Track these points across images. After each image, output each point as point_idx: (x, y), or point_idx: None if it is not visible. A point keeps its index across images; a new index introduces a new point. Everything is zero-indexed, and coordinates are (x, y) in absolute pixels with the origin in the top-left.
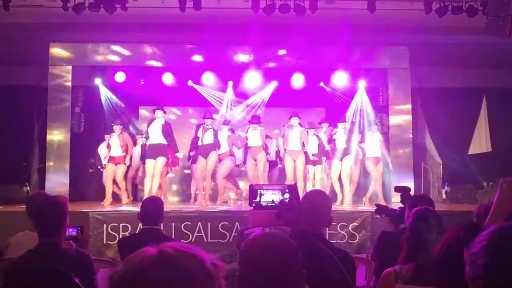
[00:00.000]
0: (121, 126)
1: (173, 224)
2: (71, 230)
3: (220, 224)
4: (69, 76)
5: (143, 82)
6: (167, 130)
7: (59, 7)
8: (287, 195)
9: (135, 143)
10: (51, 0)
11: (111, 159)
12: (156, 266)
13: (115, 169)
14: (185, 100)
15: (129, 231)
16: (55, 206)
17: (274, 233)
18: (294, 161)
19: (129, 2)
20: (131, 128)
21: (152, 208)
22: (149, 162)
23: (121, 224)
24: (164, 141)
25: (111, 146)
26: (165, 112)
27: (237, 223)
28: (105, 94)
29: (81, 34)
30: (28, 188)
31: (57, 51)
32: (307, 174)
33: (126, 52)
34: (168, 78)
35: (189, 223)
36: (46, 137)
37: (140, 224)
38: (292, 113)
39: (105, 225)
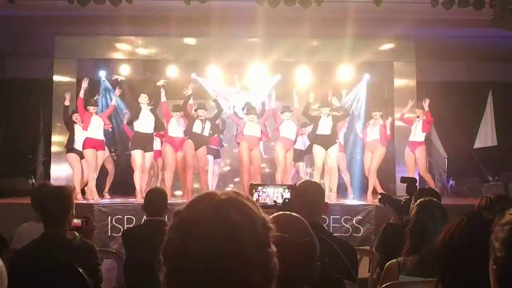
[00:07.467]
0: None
1: None
2: (75, 221)
3: None
4: (74, 69)
5: (148, 75)
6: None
7: (64, 0)
8: (287, 195)
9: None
10: None
11: None
12: (225, 206)
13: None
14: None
15: (133, 223)
16: (60, 196)
17: (289, 214)
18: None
19: None
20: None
21: (156, 199)
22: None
23: (125, 217)
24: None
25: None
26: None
27: None
28: (109, 87)
29: (86, 27)
30: (33, 181)
31: (62, 44)
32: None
33: (131, 45)
34: (173, 71)
35: None
36: (51, 130)
37: (145, 216)
38: (284, 108)
39: (109, 217)
